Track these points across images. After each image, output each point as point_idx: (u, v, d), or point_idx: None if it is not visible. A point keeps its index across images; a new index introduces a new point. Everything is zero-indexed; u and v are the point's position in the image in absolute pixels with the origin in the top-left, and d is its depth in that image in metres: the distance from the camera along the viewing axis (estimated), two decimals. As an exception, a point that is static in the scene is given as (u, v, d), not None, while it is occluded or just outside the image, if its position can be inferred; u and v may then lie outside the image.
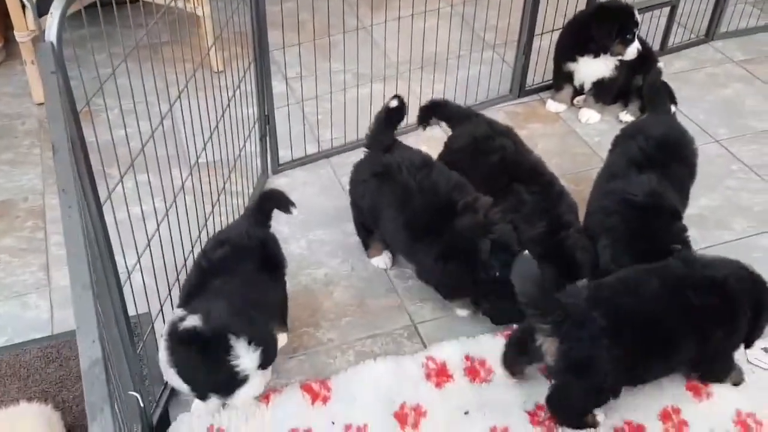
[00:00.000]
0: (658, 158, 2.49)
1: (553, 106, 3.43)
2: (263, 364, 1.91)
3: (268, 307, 2.09)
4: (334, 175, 3.03)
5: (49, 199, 2.92)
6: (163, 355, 1.91)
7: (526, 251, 1.98)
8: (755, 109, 3.44)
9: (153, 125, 2.01)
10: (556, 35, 3.39)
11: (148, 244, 2.04)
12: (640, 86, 3.26)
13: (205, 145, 2.39)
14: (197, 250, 2.28)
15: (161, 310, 2.17)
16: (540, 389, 2.19)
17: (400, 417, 2.13)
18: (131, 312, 1.90)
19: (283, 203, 2.33)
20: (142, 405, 1.80)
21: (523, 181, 2.45)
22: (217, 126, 2.46)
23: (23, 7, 3.16)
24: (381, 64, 3.24)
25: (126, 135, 1.93)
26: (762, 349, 2.27)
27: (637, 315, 1.95)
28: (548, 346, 1.95)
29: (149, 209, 2.10)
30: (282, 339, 2.27)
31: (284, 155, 3.04)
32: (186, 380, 1.89)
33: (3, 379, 2.22)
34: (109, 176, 1.82)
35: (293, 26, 2.81)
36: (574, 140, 3.26)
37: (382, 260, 2.63)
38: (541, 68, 3.46)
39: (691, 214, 2.51)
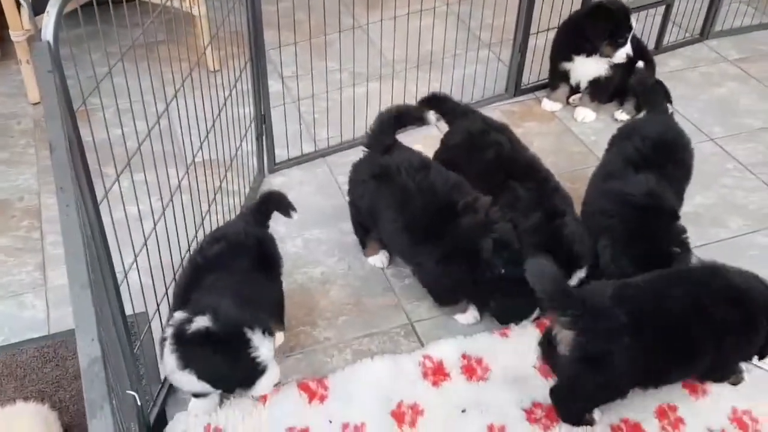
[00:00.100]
0: (654, 158, 2.49)
1: (549, 104, 3.43)
2: None
3: (264, 305, 2.09)
4: (331, 174, 3.03)
5: (44, 198, 2.91)
6: (170, 360, 1.90)
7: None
8: (750, 107, 3.46)
9: (149, 124, 2.01)
10: (551, 34, 3.39)
11: (145, 244, 2.04)
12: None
13: (201, 144, 2.39)
14: (194, 249, 2.28)
15: (158, 309, 2.17)
16: (537, 387, 2.20)
17: (398, 415, 2.13)
18: (128, 311, 1.90)
19: (284, 206, 2.34)
20: (139, 404, 1.80)
21: (519, 177, 2.45)
22: (213, 125, 2.46)
23: (18, 6, 3.15)
24: (377, 63, 3.24)
25: (123, 134, 1.92)
26: None
27: (659, 317, 1.95)
28: (563, 337, 1.96)
29: (146, 208, 2.10)
30: (279, 338, 2.27)
31: (280, 154, 3.05)
32: (209, 381, 1.91)
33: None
34: (106, 175, 1.82)
35: (289, 25, 2.81)
36: (569, 139, 3.27)
37: (379, 259, 2.63)
38: (537, 67, 3.47)
39: (686, 212, 2.52)
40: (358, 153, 2.58)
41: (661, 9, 3.68)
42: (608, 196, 2.42)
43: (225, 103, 2.53)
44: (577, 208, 2.51)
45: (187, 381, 1.93)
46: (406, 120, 2.55)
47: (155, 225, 2.10)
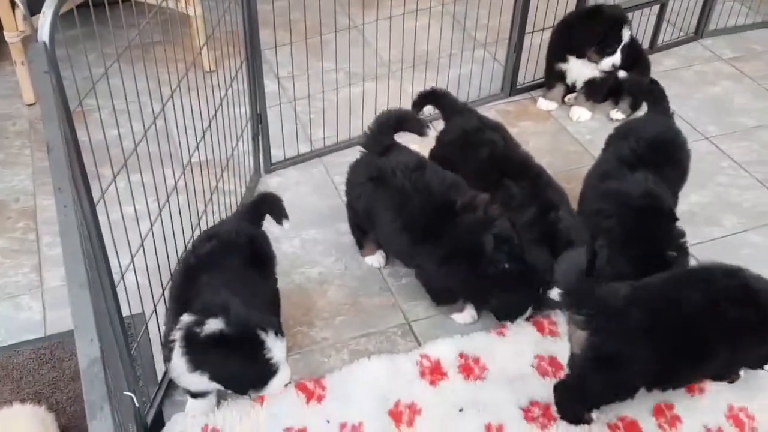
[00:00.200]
0: (650, 158, 2.49)
1: (545, 104, 3.44)
2: None
3: (261, 303, 2.10)
4: (327, 174, 3.04)
5: (40, 200, 2.91)
6: (179, 362, 1.90)
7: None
8: (744, 106, 3.47)
9: (145, 125, 2.01)
10: (546, 33, 3.40)
11: (142, 244, 2.04)
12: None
13: (197, 144, 2.39)
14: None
15: (155, 310, 2.17)
16: (534, 386, 2.21)
17: (395, 415, 2.14)
18: (124, 312, 1.90)
19: (277, 212, 2.33)
20: (137, 405, 1.79)
21: (512, 175, 2.46)
22: (209, 125, 2.46)
23: (13, 7, 3.14)
24: (373, 63, 3.24)
25: (119, 135, 1.92)
26: None
27: (674, 318, 1.94)
28: (577, 337, 1.96)
29: (142, 209, 2.09)
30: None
31: (277, 154, 3.04)
32: (223, 382, 1.94)
33: (-4, 381, 2.21)
34: (102, 176, 1.82)
35: (284, 25, 2.80)
36: (565, 138, 3.28)
37: (376, 259, 2.63)
38: (532, 66, 3.47)
39: (681, 210, 2.52)
40: (355, 153, 2.58)
41: (656, 8, 3.69)
42: (606, 196, 2.42)
43: (221, 104, 2.53)
44: (573, 207, 2.52)
45: (197, 382, 1.94)
46: (406, 126, 2.55)
47: (152, 226, 2.10)
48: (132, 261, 1.98)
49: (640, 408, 2.14)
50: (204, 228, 2.41)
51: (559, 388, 2.09)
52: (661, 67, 3.64)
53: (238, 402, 2.16)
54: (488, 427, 2.10)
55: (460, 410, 2.15)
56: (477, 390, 2.21)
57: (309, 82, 2.96)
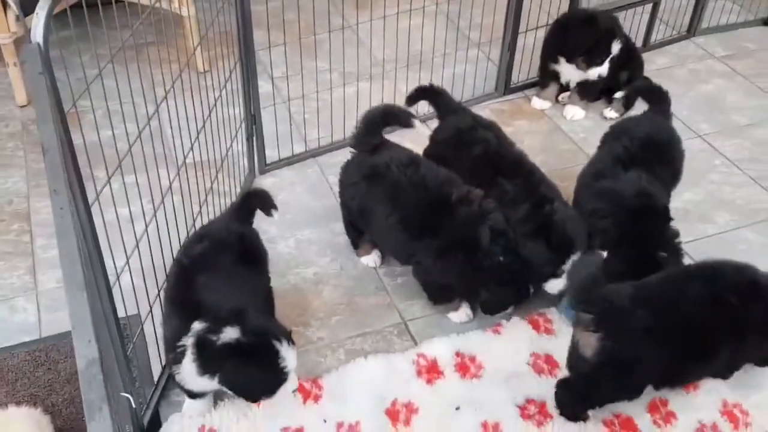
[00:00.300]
0: (644, 157, 2.50)
1: (539, 103, 3.45)
2: None
3: (258, 302, 2.12)
4: (322, 174, 3.04)
5: (33, 202, 2.90)
6: (190, 368, 1.91)
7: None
8: (736, 104, 3.49)
9: (139, 126, 2.00)
10: (540, 33, 3.41)
11: (137, 245, 2.03)
12: (624, 83, 3.30)
13: (192, 145, 2.38)
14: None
15: (150, 311, 2.16)
16: (530, 384, 2.22)
17: (392, 414, 2.14)
18: (120, 314, 1.89)
19: (266, 205, 2.33)
20: (134, 406, 1.79)
21: (506, 174, 2.46)
22: (204, 126, 2.45)
23: (4, 8, 3.13)
24: (367, 63, 3.24)
25: (113, 136, 1.92)
26: None
27: (682, 317, 1.94)
28: (586, 339, 1.96)
29: (137, 210, 2.09)
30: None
31: (271, 155, 3.04)
32: (238, 391, 1.96)
33: (-9, 384, 2.21)
34: (96, 178, 1.82)
35: (278, 26, 2.81)
36: (559, 137, 3.29)
37: (371, 259, 2.64)
38: (526, 66, 3.48)
39: (675, 208, 2.53)
40: (349, 154, 2.58)
41: (649, 6, 3.70)
42: (600, 195, 2.42)
43: (215, 104, 2.52)
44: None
45: (204, 385, 1.96)
46: (392, 120, 2.55)
47: (147, 227, 2.10)
48: (127, 262, 1.98)
49: (635, 404, 2.14)
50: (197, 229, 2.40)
51: (561, 388, 2.09)
52: (654, 65, 3.66)
53: (235, 402, 2.15)
54: (485, 425, 2.11)
55: (457, 409, 2.15)
56: (473, 388, 2.21)
57: (303, 82, 2.96)
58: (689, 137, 3.19)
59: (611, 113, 3.34)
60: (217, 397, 2.16)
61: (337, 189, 2.62)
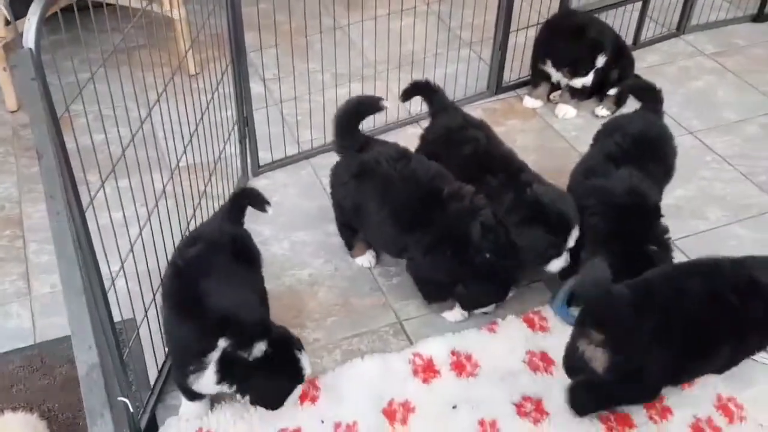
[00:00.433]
0: (636, 155, 2.51)
1: (530, 102, 3.46)
2: None
3: (259, 303, 2.15)
4: (315, 175, 3.04)
5: (26, 207, 2.89)
6: (211, 379, 1.95)
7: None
8: (726, 100, 3.51)
9: (132, 130, 2.00)
10: (531, 32, 3.42)
11: (131, 250, 2.03)
12: (615, 81, 3.31)
13: (185, 148, 2.38)
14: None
15: (146, 315, 2.16)
16: (526, 382, 2.22)
17: (389, 413, 2.14)
18: (115, 318, 1.88)
19: (258, 201, 2.34)
20: (131, 411, 1.79)
21: (495, 172, 2.47)
22: (196, 129, 2.45)
23: (-6, 12, 3.11)
24: (358, 64, 3.24)
25: (107, 140, 1.92)
26: None
27: (684, 318, 1.94)
28: (593, 353, 1.97)
29: (130, 214, 2.08)
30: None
31: (264, 157, 3.04)
32: (261, 401, 2.04)
33: (-14, 390, 2.20)
34: (89, 182, 1.81)
35: (269, 27, 2.81)
36: (551, 135, 3.30)
37: (366, 259, 2.64)
38: (518, 65, 3.49)
39: (667, 204, 2.55)
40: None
41: (638, 5, 3.72)
42: (590, 193, 2.43)
43: (208, 107, 2.52)
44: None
45: (217, 389, 2.00)
46: (362, 110, 2.53)
47: (141, 231, 2.09)
48: (122, 266, 1.97)
49: (630, 400, 2.16)
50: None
51: (577, 392, 2.08)
52: (644, 63, 3.68)
53: (232, 404, 2.16)
54: (482, 423, 2.12)
55: (454, 407, 2.16)
56: (469, 387, 2.22)
57: (295, 83, 2.96)
58: (680, 134, 3.21)
59: (602, 111, 3.36)
60: (214, 400, 2.16)
61: (330, 190, 2.62)
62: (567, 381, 2.15)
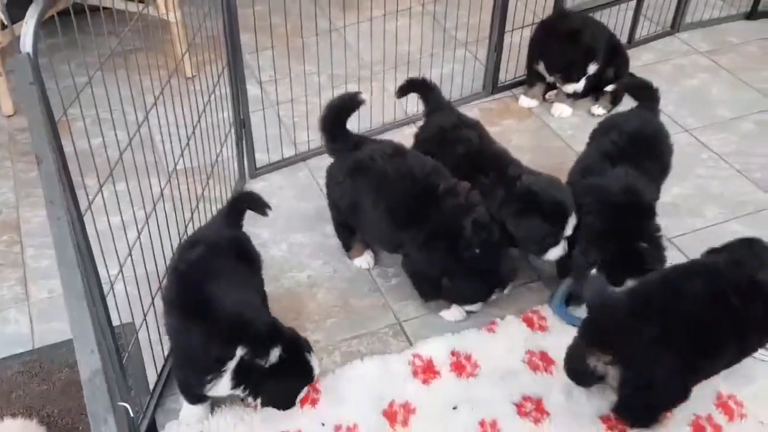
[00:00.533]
0: (632, 153, 2.51)
1: (526, 101, 3.47)
2: None
3: (262, 303, 2.17)
4: (312, 177, 3.03)
5: (23, 211, 2.88)
6: (226, 384, 1.98)
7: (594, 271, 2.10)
8: (721, 98, 3.52)
9: (127, 133, 1.99)
10: (527, 31, 3.43)
11: (130, 254, 2.02)
12: (610, 79, 3.32)
13: (182, 152, 2.37)
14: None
15: (144, 319, 2.15)
16: (525, 381, 2.23)
17: (390, 415, 2.14)
18: (114, 322, 1.88)
19: (258, 205, 2.34)
20: (132, 415, 1.78)
21: (487, 172, 2.47)
22: (193, 132, 2.45)
23: (-12, 17, 3.10)
24: (354, 65, 3.24)
25: (104, 144, 1.91)
26: None
27: (686, 322, 1.93)
28: (605, 369, 1.98)
29: (128, 218, 2.08)
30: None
31: (261, 159, 3.04)
32: (279, 405, 2.09)
33: (-15, 396, 2.19)
34: (86, 186, 1.80)
35: (265, 29, 2.80)
36: (547, 134, 3.31)
37: (364, 260, 2.64)
38: (513, 64, 3.49)
39: (663, 202, 2.56)
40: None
41: (633, 3, 3.73)
42: (586, 191, 2.43)
43: (204, 110, 2.52)
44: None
45: (228, 393, 2.03)
46: (346, 110, 2.52)
47: (139, 235, 2.09)
48: (121, 270, 1.97)
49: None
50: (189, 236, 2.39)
51: (622, 412, 2.07)
52: (639, 61, 3.68)
53: (232, 408, 2.15)
54: (482, 424, 2.12)
55: (454, 408, 2.16)
56: (470, 387, 2.22)
57: (291, 85, 2.95)
58: (676, 132, 3.22)
59: (598, 110, 3.37)
60: (214, 403, 2.15)
61: (326, 191, 2.61)
62: (567, 380, 2.15)
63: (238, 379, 1.98)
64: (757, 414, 2.14)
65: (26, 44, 1.43)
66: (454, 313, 2.45)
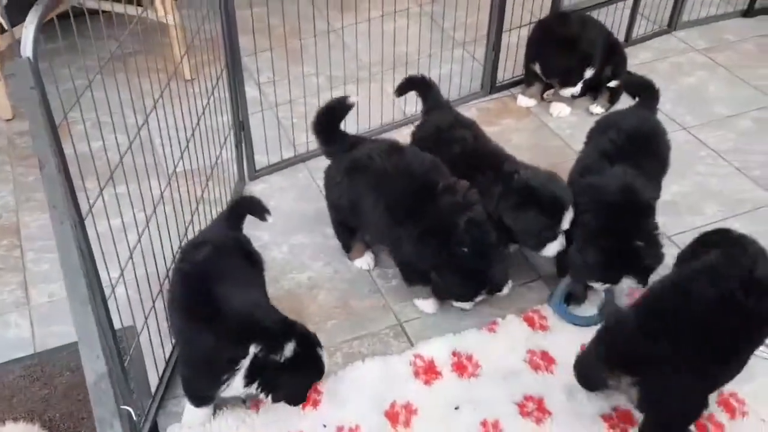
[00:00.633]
0: (630, 151, 2.51)
1: (524, 101, 3.47)
2: None
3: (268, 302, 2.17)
4: (312, 178, 3.03)
5: (23, 216, 2.88)
6: (239, 383, 1.98)
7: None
8: (719, 95, 3.52)
9: (126, 136, 1.99)
10: (524, 31, 3.43)
11: (131, 257, 2.02)
12: (608, 78, 3.33)
13: (182, 154, 2.37)
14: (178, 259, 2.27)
15: (146, 322, 2.15)
16: (527, 381, 2.23)
17: (391, 416, 2.14)
18: (116, 326, 1.88)
19: (258, 210, 2.35)
20: (135, 419, 1.78)
21: (483, 170, 2.47)
22: (193, 134, 2.44)
23: (-13, 22, 3.10)
24: (353, 66, 3.25)
25: (104, 147, 1.91)
26: None
27: (702, 333, 1.91)
28: (625, 389, 1.99)
29: (128, 221, 2.08)
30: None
31: (260, 161, 3.04)
32: (292, 400, 2.09)
33: (-14, 401, 2.19)
34: (86, 189, 1.80)
35: (263, 31, 2.80)
36: (546, 134, 3.31)
37: (364, 261, 2.64)
38: (511, 64, 3.50)
39: (663, 201, 2.56)
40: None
41: (630, 2, 3.73)
42: (584, 190, 2.43)
43: (204, 112, 2.52)
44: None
45: (241, 392, 2.03)
46: (336, 114, 2.52)
47: (140, 238, 2.09)
48: (122, 274, 1.96)
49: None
50: (191, 238, 2.39)
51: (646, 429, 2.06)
52: (636, 60, 3.69)
53: (234, 410, 2.15)
54: (484, 424, 2.12)
55: (456, 408, 2.16)
56: (471, 387, 2.22)
57: (290, 87, 2.95)
58: (674, 130, 3.23)
59: (597, 109, 3.37)
60: (215, 405, 2.15)
61: (324, 192, 2.61)
62: (568, 380, 2.16)
63: (252, 377, 1.97)
64: (759, 411, 2.15)
65: (27, 49, 1.43)
66: (427, 304, 2.46)
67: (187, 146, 2.41)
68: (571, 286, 2.44)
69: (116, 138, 1.97)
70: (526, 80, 3.47)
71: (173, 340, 2.28)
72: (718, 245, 2.13)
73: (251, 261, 2.24)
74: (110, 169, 1.89)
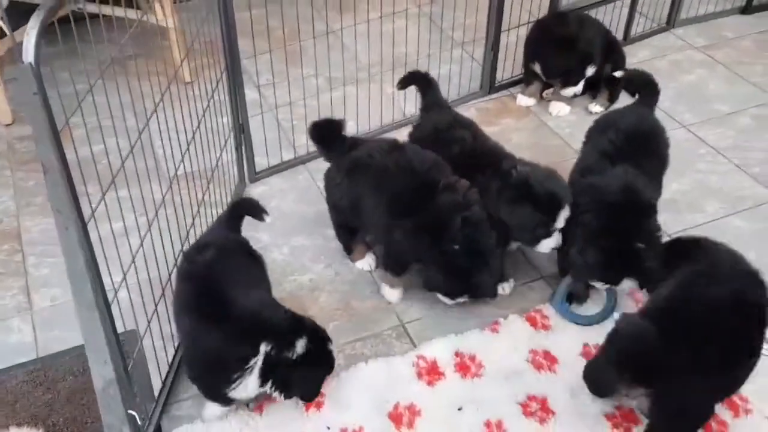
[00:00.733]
0: (629, 150, 2.51)
1: (524, 100, 3.47)
2: None
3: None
4: (312, 180, 3.03)
5: (23, 220, 2.87)
6: (254, 382, 1.98)
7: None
8: (718, 92, 3.53)
9: (127, 140, 1.99)
10: (523, 30, 3.43)
11: (133, 261, 2.02)
12: (608, 77, 3.33)
13: (182, 157, 2.37)
14: (180, 262, 2.27)
15: (148, 326, 2.15)
16: (530, 380, 2.23)
17: (395, 417, 2.14)
18: (119, 329, 1.87)
19: (256, 211, 2.36)
20: (139, 423, 1.78)
21: (482, 170, 2.47)
22: (193, 137, 2.44)
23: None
24: (352, 68, 3.25)
25: (106, 151, 1.91)
26: None
27: (715, 342, 1.91)
28: (638, 397, 2.00)
29: (130, 225, 2.08)
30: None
31: (261, 163, 3.04)
32: (306, 396, 2.10)
33: (-10, 406, 2.18)
34: (87, 194, 1.80)
35: (262, 33, 2.80)
36: (546, 133, 3.31)
37: (366, 262, 2.64)
38: (510, 63, 3.50)
39: (663, 198, 2.56)
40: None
41: (628, 0, 3.74)
42: (585, 191, 2.43)
43: (204, 115, 2.52)
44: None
45: (255, 392, 2.04)
46: (335, 126, 2.53)
47: (142, 241, 2.08)
48: (124, 278, 1.96)
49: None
50: (193, 241, 2.39)
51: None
52: (635, 58, 3.69)
53: (237, 413, 2.15)
54: (488, 424, 2.12)
55: (459, 409, 2.16)
56: (474, 388, 2.22)
57: (290, 89, 2.96)
58: (673, 128, 3.23)
59: (596, 107, 3.37)
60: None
61: (325, 194, 2.61)
62: (571, 379, 2.16)
63: (266, 376, 1.97)
64: (762, 409, 2.15)
65: (29, 54, 1.43)
66: (390, 293, 2.49)
67: (188, 149, 2.41)
68: (572, 285, 2.44)
69: (117, 142, 1.96)
70: (525, 79, 3.47)
71: (176, 344, 2.28)
72: (689, 255, 2.14)
73: (257, 262, 2.25)
74: (112, 173, 1.89)
